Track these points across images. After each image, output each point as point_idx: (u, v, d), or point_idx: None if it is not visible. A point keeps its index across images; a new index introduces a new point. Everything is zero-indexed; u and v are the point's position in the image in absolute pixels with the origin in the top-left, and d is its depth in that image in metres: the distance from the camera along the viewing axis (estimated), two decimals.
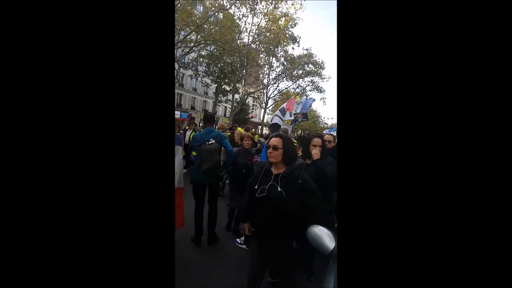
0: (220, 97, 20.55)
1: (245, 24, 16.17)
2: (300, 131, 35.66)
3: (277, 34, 15.52)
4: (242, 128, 5.22)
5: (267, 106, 21.91)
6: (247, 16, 15.28)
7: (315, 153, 2.12)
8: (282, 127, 5.83)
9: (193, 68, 20.05)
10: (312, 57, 18.67)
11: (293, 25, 16.69)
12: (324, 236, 1.24)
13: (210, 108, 24.41)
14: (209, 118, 2.94)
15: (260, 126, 26.21)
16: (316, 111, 39.40)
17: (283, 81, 20.74)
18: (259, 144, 5.15)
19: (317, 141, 2.20)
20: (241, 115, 24.68)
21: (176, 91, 20.58)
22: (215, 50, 15.69)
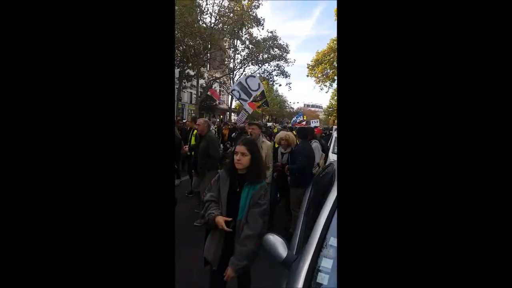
0: (184, 83, 19.57)
1: (207, 4, 15.27)
2: (268, 117, 36.03)
3: (241, 15, 15.06)
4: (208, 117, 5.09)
5: None
6: None
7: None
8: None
9: None
10: (276, 40, 18.59)
11: (256, 6, 16.35)
12: (278, 244, 1.31)
13: (174, 94, 23.13)
14: None
15: (228, 113, 25.83)
16: (282, 96, 39.93)
17: (249, 66, 20.39)
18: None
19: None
20: (208, 101, 23.87)
21: None
22: (176, 32, 14.77)
